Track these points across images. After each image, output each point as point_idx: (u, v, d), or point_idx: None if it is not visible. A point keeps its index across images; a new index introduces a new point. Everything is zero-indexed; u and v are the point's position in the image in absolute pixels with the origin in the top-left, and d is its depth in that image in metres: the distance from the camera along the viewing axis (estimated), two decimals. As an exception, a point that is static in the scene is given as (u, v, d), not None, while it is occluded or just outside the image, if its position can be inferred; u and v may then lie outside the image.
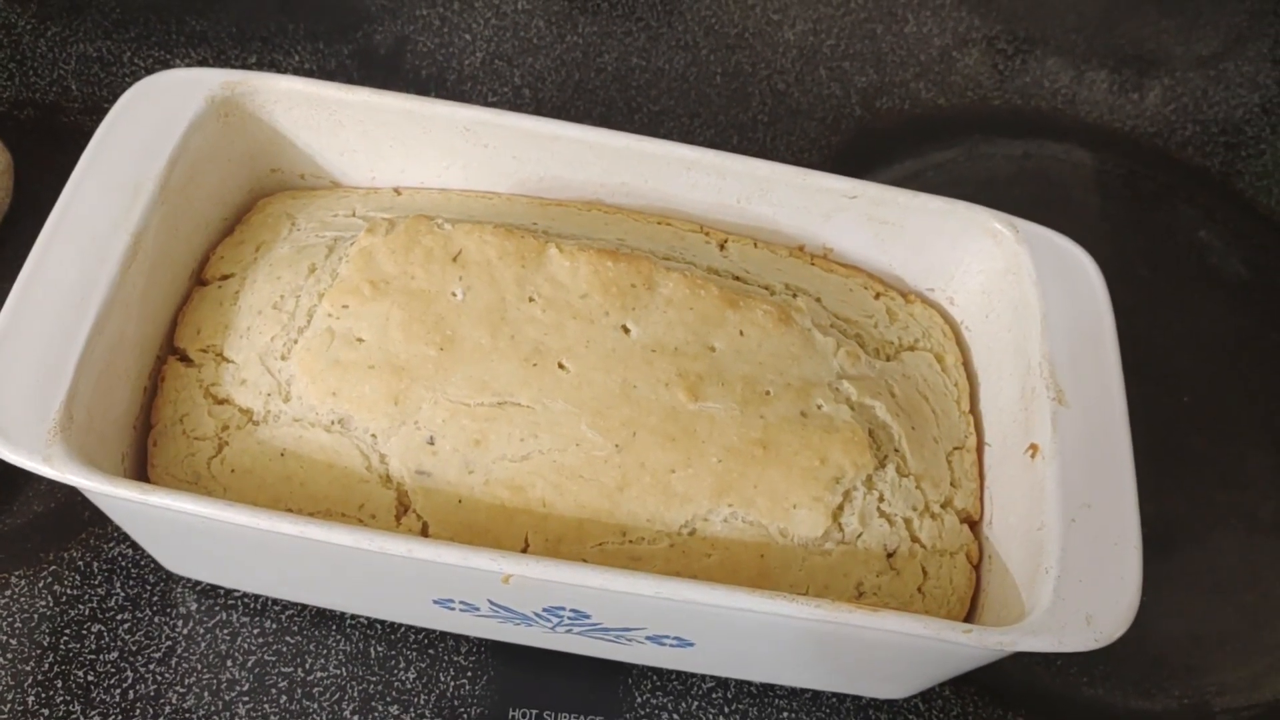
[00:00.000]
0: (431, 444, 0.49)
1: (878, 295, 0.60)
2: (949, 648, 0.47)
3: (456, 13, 0.81)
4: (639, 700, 0.56)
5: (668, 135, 0.77)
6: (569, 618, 0.49)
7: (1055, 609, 0.46)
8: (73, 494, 0.58)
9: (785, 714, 0.57)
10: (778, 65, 0.83)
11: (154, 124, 0.54)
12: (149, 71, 0.74)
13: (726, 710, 0.57)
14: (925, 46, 0.86)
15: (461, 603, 0.50)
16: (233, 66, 0.76)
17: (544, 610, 0.49)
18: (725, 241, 0.59)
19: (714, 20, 0.84)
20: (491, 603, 0.49)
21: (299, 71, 0.76)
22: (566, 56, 0.80)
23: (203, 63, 0.75)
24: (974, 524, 0.54)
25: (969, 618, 0.52)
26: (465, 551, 0.44)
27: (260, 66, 0.76)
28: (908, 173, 0.78)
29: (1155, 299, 0.76)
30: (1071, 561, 0.47)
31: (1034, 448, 0.51)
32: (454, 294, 0.51)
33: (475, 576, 0.46)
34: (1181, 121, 0.85)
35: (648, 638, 0.51)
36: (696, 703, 0.57)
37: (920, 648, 0.48)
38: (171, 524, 0.49)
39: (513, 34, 0.81)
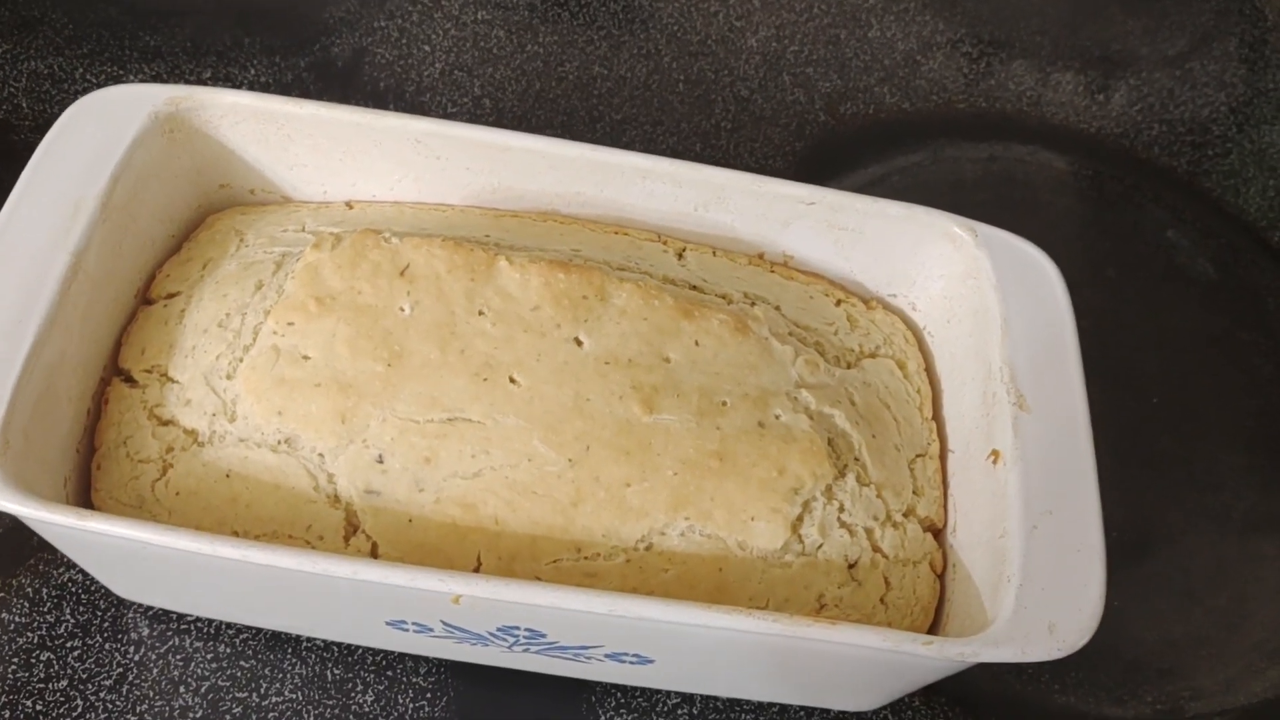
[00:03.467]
0: (380, 462, 0.48)
1: (839, 302, 0.59)
2: (911, 659, 0.46)
3: (415, 24, 0.81)
4: (603, 718, 0.55)
5: (630, 144, 0.77)
6: (525, 637, 0.48)
7: (1018, 618, 0.45)
8: (20, 520, 0.57)
9: (752, 729, 0.56)
10: (741, 72, 0.82)
11: (96, 140, 0.53)
12: (101, 88, 0.73)
13: (692, 727, 0.56)
14: (889, 51, 0.85)
15: (414, 624, 0.49)
16: (187, 81, 0.75)
17: (499, 630, 0.48)
18: (683, 250, 0.59)
19: (676, 28, 0.84)
20: (445, 623, 0.48)
21: (255, 85, 0.75)
22: (527, 66, 0.79)
23: (156, 78, 0.74)
24: (938, 532, 0.53)
25: (934, 627, 0.51)
26: (413, 572, 0.43)
27: (215, 81, 0.75)
28: (872, 177, 0.77)
29: (1123, 300, 0.75)
30: (1034, 569, 0.47)
31: (995, 454, 0.50)
32: (402, 309, 0.50)
33: (425, 597, 0.45)
34: (1148, 122, 0.85)
35: (607, 655, 0.50)
36: (662, 719, 0.56)
37: (882, 660, 0.47)
38: (116, 549, 0.48)
39: (472, 44, 0.80)
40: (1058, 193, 0.79)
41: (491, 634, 0.48)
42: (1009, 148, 0.81)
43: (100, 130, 0.53)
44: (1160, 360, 0.73)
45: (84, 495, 0.50)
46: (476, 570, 0.48)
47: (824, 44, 0.85)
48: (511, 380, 0.49)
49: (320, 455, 0.48)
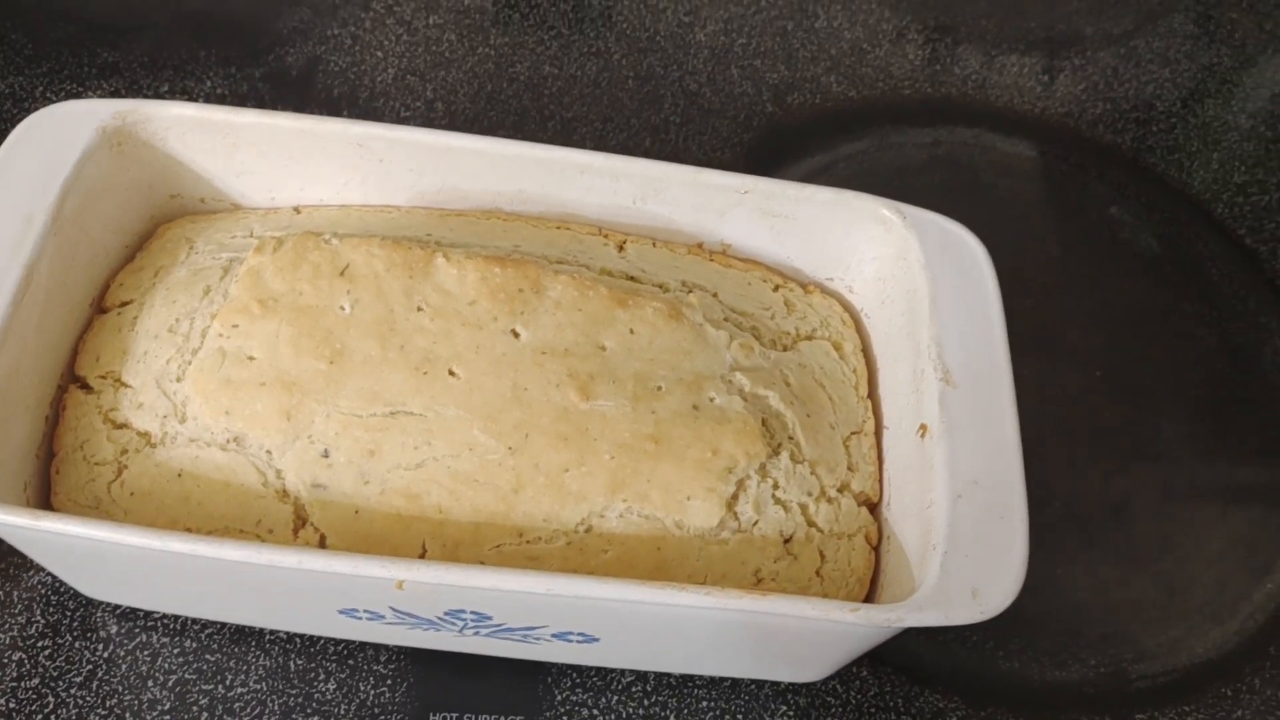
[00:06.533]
0: (326, 457, 0.50)
1: (776, 287, 0.60)
2: (842, 627, 0.48)
3: (368, 30, 0.82)
4: (559, 698, 0.57)
5: (580, 141, 0.78)
6: (473, 620, 0.50)
7: (942, 584, 0.47)
8: (-11, 526, 0.58)
9: (705, 703, 0.58)
10: (689, 66, 0.84)
11: (46, 156, 0.54)
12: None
13: (646, 703, 0.57)
14: (836, 41, 0.87)
15: (366, 611, 0.50)
16: (145, 96, 0.77)
17: (446, 614, 0.50)
18: (624, 243, 0.60)
19: (625, 25, 0.85)
20: (394, 609, 0.50)
21: (211, 96, 0.77)
22: (479, 68, 0.81)
23: (115, 93, 0.76)
24: (873, 506, 0.55)
25: (870, 597, 0.53)
26: (356, 560, 0.45)
27: (172, 94, 0.76)
28: (819, 166, 0.79)
29: (1068, 277, 0.77)
30: (958, 537, 0.48)
31: (923, 428, 0.52)
32: (342, 308, 0.52)
33: (371, 584, 0.47)
34: (1092, 100, 0.86)
35: (553, 635, 0.51)
36: (616, 697, 0.57)
37: (815, 629, 0.49)
38: (76, 549, 0.50)
39: (424, 49, 0.82)
40: (1002, 174, 0.81)
41: (440, 618, 0.50)
42: (954, 132, 0.83)
43: (49, 146, 0.55)
44: (1105, 335, 0.74)
45: (45, 499, 0.52)
46: (422, 557, 0.49)
47: (771, 36, 0.86)
48: (451, 373, 0.51)
49: (268, 452, 0.50)
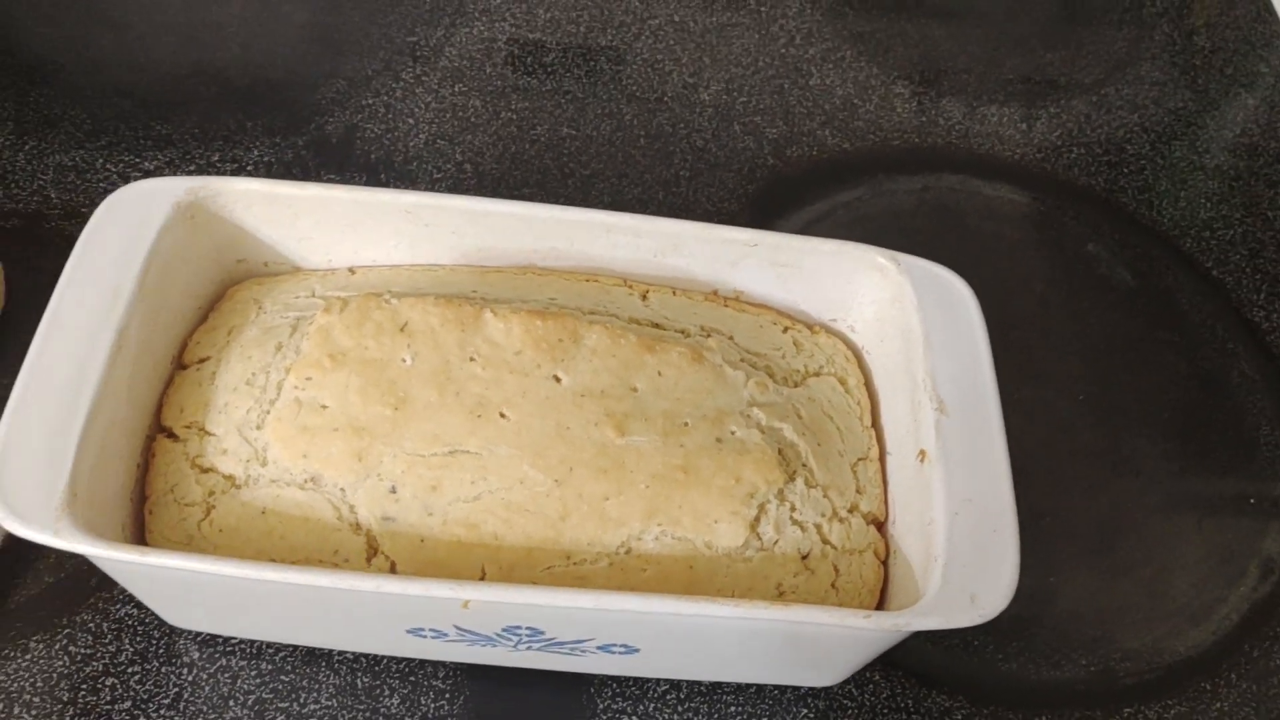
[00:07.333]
0: (394, 493, 0.56)
1: (785, 329, 0.67)
2: (856, 633, 0.54)
3: (399, 99, 0.89)
4: (600, 706, 0.63)
5: (598, 196, 0.85)
6: (527, 635, 0.56)
7: (943, 592, 0.53)
8: (80, 564, 0.64)
9: (733, 708, 0.64)
10: (696, 124, 0.91)
11: (128, 232, 0.60)
12: (121, 176, 0.82)
13: (680, 709, 0.63)
14: (829, 97, 0.94)
15: (431, 630, 0.56)
16: (198, 164, 0.83)
17: (503, 630, 0.56)
18: (647, 292, 0.67)
19: (635, 88, 0.93)
20: (457, 628, 0.56)
21: (259, 164, 0.83)
22: (503, 131, 0.88)
23: (170, 163, 0.83)
24: (880, 524, 0.61)
25: (880, 606, 0.59)
26: (427, 584, 0.51)
27: (223, 163, 0.83)
28: (818, 214, 0.85)
29: (1049, 310, 0.83)
30: (956, 549, 0.54)
31: (922, 453, 0.59)
32: (404, 360, 0.58)
33: (438, 605, 0.53)
34: (1067, 146, 0.93)
35: (598, 647, 0.57)
36: (653, 704, 0.63)
37: (832, 635, 0.55)
38: (170, 581, 0.56)
39: (452, 115, 0.89)
40: (986, 217, 0.88)
41: (498, 634, 0.56)
42: (940, 178, 0.90)
43: (130, 222, 0.61)
44: (1085, 362, 0.81)
45: (139, 537, 0.58)
46: (481, 579, 0.56)
47: (770, 94, 0.94)
48: (502, 415, 0.57)
49: (342, 490, 0.56)
